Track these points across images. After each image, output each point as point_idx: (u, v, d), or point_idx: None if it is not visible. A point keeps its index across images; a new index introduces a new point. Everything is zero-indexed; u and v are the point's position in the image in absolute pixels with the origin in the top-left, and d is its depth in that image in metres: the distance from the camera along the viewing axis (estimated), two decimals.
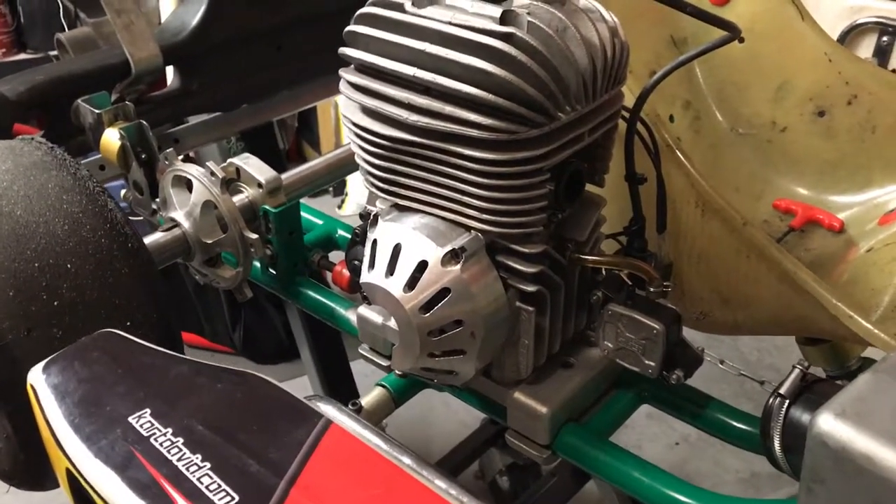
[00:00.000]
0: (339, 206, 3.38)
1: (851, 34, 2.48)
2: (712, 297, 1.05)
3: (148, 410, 0.72)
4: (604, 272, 0.99)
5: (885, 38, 2.42)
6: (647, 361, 0.94)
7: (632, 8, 1.12)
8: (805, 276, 0.92)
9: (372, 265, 0.92)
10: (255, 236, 1.12)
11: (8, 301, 0.84)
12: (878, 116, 1.30)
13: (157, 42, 1.40)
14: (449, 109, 0.81)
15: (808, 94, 1.34)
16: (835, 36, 2.40)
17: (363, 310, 1.08)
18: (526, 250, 0.89)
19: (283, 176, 1.22)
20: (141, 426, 0.70)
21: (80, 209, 0.91)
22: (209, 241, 1.13)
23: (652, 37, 1.30)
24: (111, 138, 1.32)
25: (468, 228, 0.90)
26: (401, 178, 0.91)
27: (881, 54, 2.45)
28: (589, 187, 0.96)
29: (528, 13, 0.82)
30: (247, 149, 1.86)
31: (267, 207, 1.15)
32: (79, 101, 1.32)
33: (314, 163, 1.32)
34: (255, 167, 1.16)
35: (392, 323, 1.04)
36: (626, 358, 0.95)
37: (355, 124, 0.91)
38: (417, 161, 0.88)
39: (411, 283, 0.88)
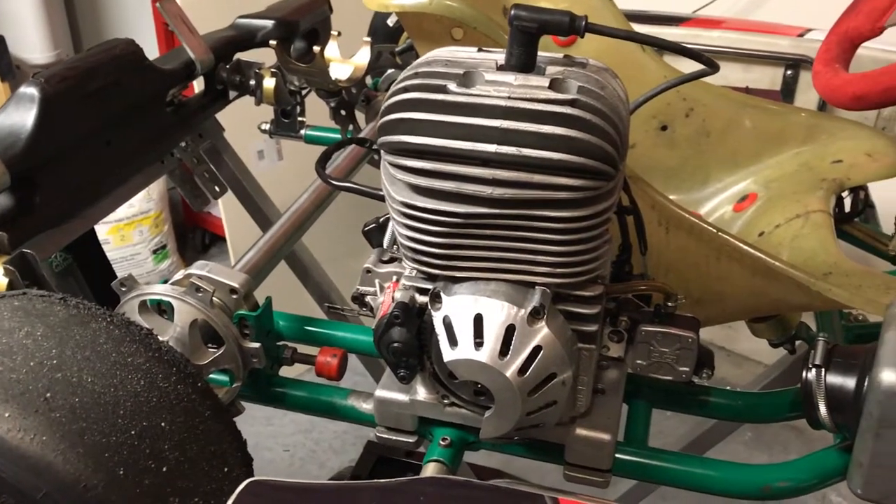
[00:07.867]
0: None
1: None
2: (684, 300, 1.19)
3: None
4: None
5: None
6: (681, 369, 1.04)
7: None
8: (783, 265, 1.09)
9: (454, 342, 0.91)
10: (257, 345, 1.04)
11: (121, 481, 0.72)
12: (711, 123, 1.54)
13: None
14: (538, 178, 0.85)
15: (653, 113, 1.54)
16: None
17: (382, 392, 1.07)
18: (588, 293, 0.95)
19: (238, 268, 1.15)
20: None
21: (143, 359, 0.79)
22: (203, 363, 1.03)
23: None
24: None
25: (531, 285, 0.94)
26: (464, 251, 0.92)
27: None
28: None
29: (567, 78, 0.89)
30: (73, 258, 1.67)
31: (243, 312, 1.08)
32: None
33: (259, 245, 1.24)
34: (223, 273, 1.08)
35: (420, 395, 1.05)
36: (660, 370, 1.05)
37: (412, 206, 0.90)
38: (489, 231, 0.90)
39: (504, 350, 0.90)
